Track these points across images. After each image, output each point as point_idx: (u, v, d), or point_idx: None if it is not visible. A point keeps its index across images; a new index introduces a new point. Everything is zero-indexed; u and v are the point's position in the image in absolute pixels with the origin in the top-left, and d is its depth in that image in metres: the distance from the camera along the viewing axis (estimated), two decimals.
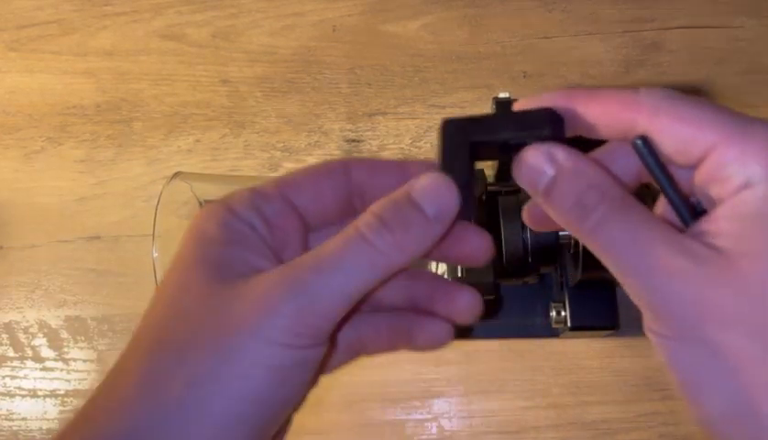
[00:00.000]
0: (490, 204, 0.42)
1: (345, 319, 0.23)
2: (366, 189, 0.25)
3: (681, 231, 0.22)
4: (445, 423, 0.49)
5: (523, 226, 0.42)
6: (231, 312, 0.21)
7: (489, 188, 0.42)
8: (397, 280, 0.26)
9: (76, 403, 0.52)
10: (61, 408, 0.52)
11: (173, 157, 0.55)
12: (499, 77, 0.54)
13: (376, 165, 0.25)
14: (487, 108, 0.51)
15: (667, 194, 0.23)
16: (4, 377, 0.53)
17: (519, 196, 0.43)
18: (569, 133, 0.24)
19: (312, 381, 0.24)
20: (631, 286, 0.22)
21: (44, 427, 0.52)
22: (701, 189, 0.23)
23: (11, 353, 0.53)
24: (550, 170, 0.22)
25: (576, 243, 0.40)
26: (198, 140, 0.55)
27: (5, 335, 0.53)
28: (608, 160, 0.24)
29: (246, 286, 0.21)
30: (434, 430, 0.49)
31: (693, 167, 0.22)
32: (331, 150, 0.54)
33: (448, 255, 0.26)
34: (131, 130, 0.56)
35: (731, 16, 0.53)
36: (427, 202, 0.23)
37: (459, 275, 0.41)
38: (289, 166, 0.54)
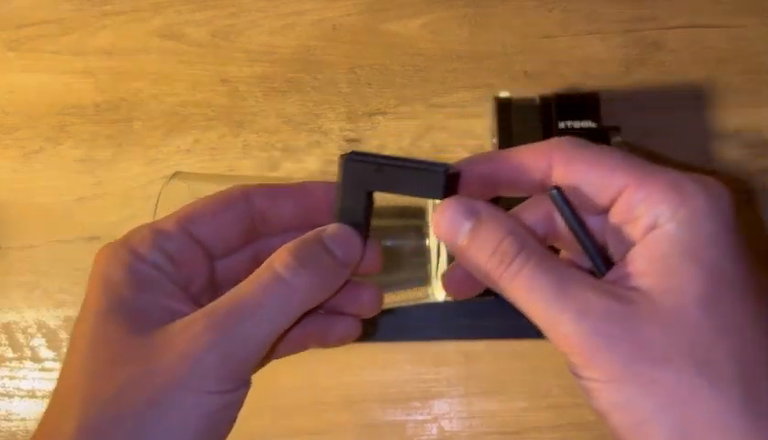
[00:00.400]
0: (491, 204, 0.42)
1: None
2: (268, 214, 0.26)
3: (597, 278, 0.23)
4: (446, 424, 0.49)
5: None
6: (156, 364, 0.21)
7: None
8: None
9: None
10: None
11: (172, 157, 0.54)
12: (500, 76, 0.53)
13: (276, 191, 0.26)
14: (487, 107, 0.51)
15: (582, 242, 0.24)
16: (2, 377, 0.53)
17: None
18: (491, 195, 0.25)
19: (236, 417, 0.24)
20: (559, 333, 0.22)
21: None
22: (613, 234, 0.23)
23: (10, 353, 0.53)
24: (470, 221, 0.23)
25: None
26: (197, 140, 0.55)
27: (3, 336, 0.53)
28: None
29: (166, 335, 0.22)
30: (435, 431, 0.49)
31: (604, 213, 0.23)
32: (331, 150, 0.53)
33: (339, 308, 0.27)
34: (130, 130, 0.55)
35: (733, 16, 0.53)
36: (337, 246, 0.24)
37: None
38: (288, 166, 0.53)
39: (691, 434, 0.20)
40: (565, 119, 0.45)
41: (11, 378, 0.53)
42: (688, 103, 0.52)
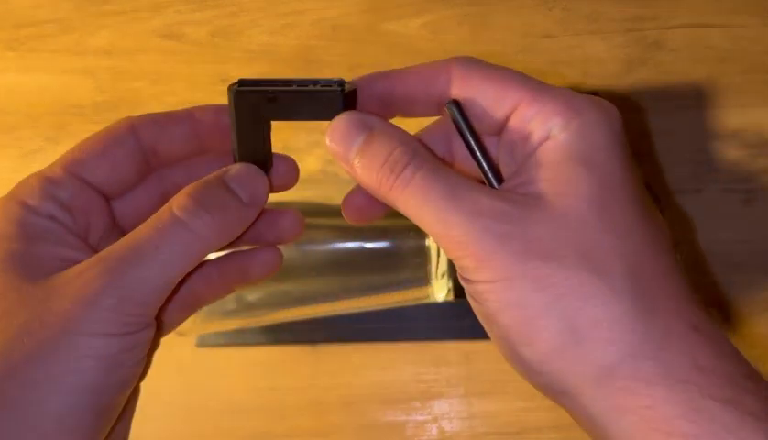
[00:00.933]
0: None
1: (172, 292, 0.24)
2: (158, 145, 0.25)
3: None
4: (446, 425, 0.49)
5: None
6: (49, 310, 0.21)
7: None
8: None
9: None
10: None
11: None
12: None
13: (161, 120, 0.25)
14: None
15: (476, 155, 0.24)
16: None
17: None
18: (389, 115, 0.25)
19: (149, 357, 0.24)
20: (452, 236, 0.22)
21: None
22: (507, 152, 0.24)
23: None
24: (362, 133, 0.23)
25: None
26: None
27: None
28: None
29: (60, 281, 0.21)
30: (435, 431, 0.49)
31: (499, 133, 0.24)
32: None
33: (260, 238, 0.27)
34: None
35: (734, 15, 0.53)
36: (241, 188, 0.24)
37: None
38: None
39: (580, 326, 0.21)
40: None
41: None
42: (689, 102, 0.52)
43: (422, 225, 0.22)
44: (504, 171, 0.25)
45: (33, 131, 0.56)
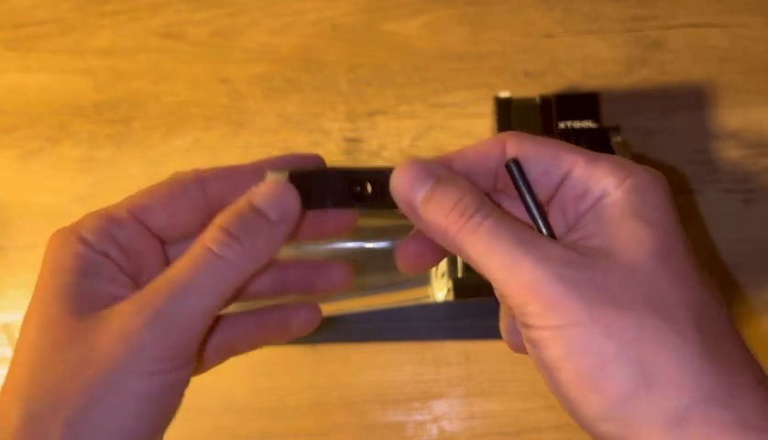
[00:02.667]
0: None
1: (210, 329, 0.24)
2: (225, 199, 0.25)
3: None
4: (446, 425, 0.49)
5: None
6: (94, 348, 0.21)
7: None
8: (266, 272, 0.27)
9: None
10: None
11: (172, 156, 0.54)
12: (500, 76, 0.53)
13: (230, 173, 0.26)
14: (487, 107, 0.51)
15: (532, 213, 0.25)
16: (2, 377, 0.53)
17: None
18: None
19: (181, 399, 0.24)
20: (521, 281, 0.22)
21: None
22: (562, 212, 0.25)
23: (10, 354, 0.53)
24: (430, 179, 0.24)
25: None
26: (197, 140, 0.55)
27: (3, 336, 0.53)
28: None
29: (104, 318, 0.22)
30: (435, 431, 0.49)
31: (551, 197, 0.25)
32: (331, 150, 0.53)
33: (309, 288, 0.27)
34: (130, 130, 0.55)
35: (734, 15, 0.52)
36: (269, 207, 0.23)
37: (459, 275, 0.41)
38: None
39: (652, 371, 0.21)
40: (564, 119, 0.45)
41: None
42: (689, 102, 0.51)
43: (488, 270, 0.23)
44: (561, 227, 0.25)
45: (33, 131, 0.56)
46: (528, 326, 0.22)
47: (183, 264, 0.22)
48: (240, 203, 0.23)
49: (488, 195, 0.24)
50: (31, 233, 0.54)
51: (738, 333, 0.23)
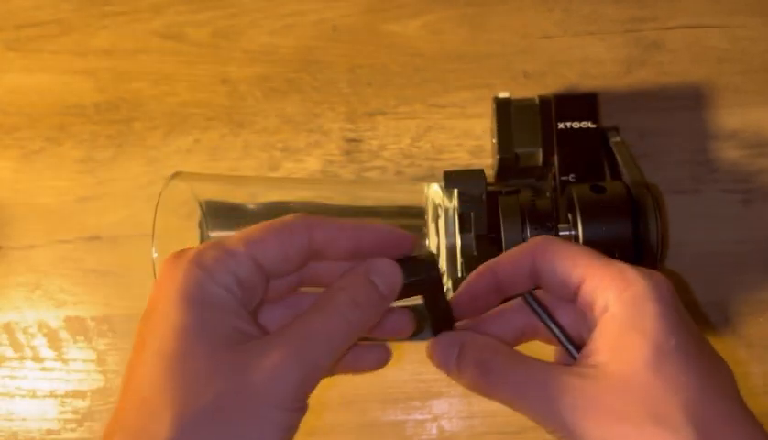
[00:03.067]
0: (490, 204, 0.42)
1: None
2: (326, 249, 0.28)
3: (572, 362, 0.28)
4: (446, 424, 0.49)
5: (523, 226, 0.41)
6: (246, 382, 0.24)
7: (489, 188, 0.42)
8: None
9: (75, 403, 0.52)
10: (61, 408, 0.52)
11: (173, 157, 0.55)
12: (500, 76, 0.53)
13: (335, 228, 0.28)
14: (487, 107, 0.51)
15: (555, 334, 0.29)
16: (3, 377, 0.53)
17: (519, 196, 0.43)
18: (501, 298, 0.30)
19: None
20: (547, 417, 0.26)
21: (43, 427, 0.52)
22: (581, 318, 0.29)
23: (10, 353, 0.53)
24: (456, 347, 0.29)
25: (577, 242, 0.40)
26: (197, 140, 0.55)
27: (4, 336, 0.53)
28: (500, 322, 0.31)
29: (250, 355, 0.24)
30: (435, 430, 0.49)
31: (573, 300, 0.28)
32: (330, 150, 0.54)
33: (380, 332, 0.31)
34: (130, 130, 0.55)
35: (733, 16, 0.53)
36: (382, 282, 0.27)
37: (459, 275, 0.41)
38: (289, 166, 0.54)
39: None
40: (563, 120, 0.45)
41: (12, 377, 0.53)
42: (688, 103, 0.52)
43: (519, 411, 0.27)
44: (583, 331, 0.29)
45: (34, 131, 0.56)
46: None
47: (318, 317, 0.26)
48: (360, 274, 0.27)
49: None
50: (32, 233, 0.55)
51: (740, 418, 0.25)
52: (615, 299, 0.26)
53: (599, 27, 0.53)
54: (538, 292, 0.30)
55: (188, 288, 0.25)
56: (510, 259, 0.30)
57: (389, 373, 0.50)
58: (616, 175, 0.44)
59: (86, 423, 0.52)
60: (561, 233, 0.41)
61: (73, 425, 0.52)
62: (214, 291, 0.25)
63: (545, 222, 0.41)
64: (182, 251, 0.26)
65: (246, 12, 0.57)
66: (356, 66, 0.55)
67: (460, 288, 0.30)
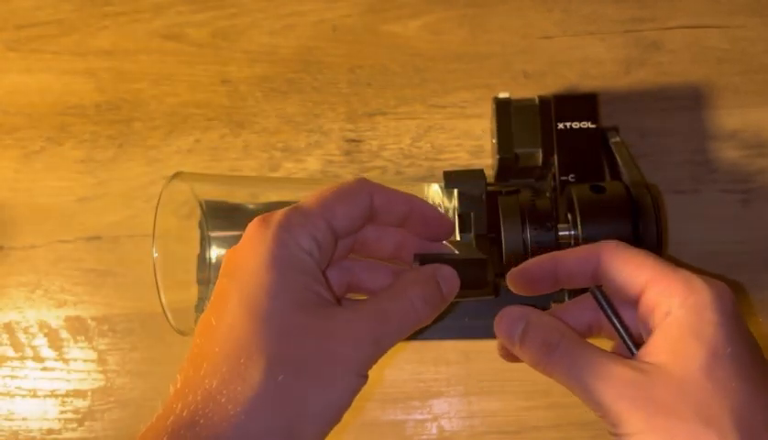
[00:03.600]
0: (490, 204, 0.42)
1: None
2: (382, 214, 0.31)
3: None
4: (445, 424, 0.49)
5: (523, 226, 0.42)
6: (332, 345, 0.26)
7: (489, 188, 0.42)
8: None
9: (76, 403, 0.52)
10: (61, 408, 0.52)
11: (173, 157, 0.55)
12: (500, 77, 0.54)
13: (391, 195, 0.31)
14: (487, 108, 0.51)
15: (616, 329, 0.30)
16: (4, 377, 0.53)
17: (519, 196, 0.43)
18: (555, 287, 0.33)
19: None
20: (597, 401, 0.27)
21: (44, 427, 0.52)
22: (642, 321, 0.30)
23: (11, 353, 0.53)
24: (522, 322, 0.30)
25: (576, 243, 0.40)
26: (198, 140, 0.55)
27: (5, 335, 0.53)
28: (567, 316, 0.33)
29: (335, 322, 0.27)
30: (434, 430, 0.49)
31: (636, 303, 0.30)
32: (331, 150, 0.54)
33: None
34: (131, 130, 0.56)
35: (732, 16, 0.53)
36: (445, 285, 0.31)
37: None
38: (289, 166, 0.54)
39: None
40: (563, 120, 0.45)
41: (12, 377, 0.53)
42: (688, 103, 0.52)
43: (575, 392, 0.28)
44: (642, 333, 0.30)
45: (35, 131, 0.56)
46: (612, 434, 0.28)
47: (396, 307, 0.29)
48: (430, 276, 0.30)
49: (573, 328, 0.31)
50: (32, 233, 0.55)
51: None
52: (679, 305, 0.28)
53: (599, 28, 0.54)
54: None
55: (277, 251, 0.27)
56: (577, 255, 0.32)
57: (388, 373, 0.50)
58: (615, 175, 0.44)
59: (87, 423, 0.52)
60: (560, 233, 0.41)
61: (74, 425, 0.52)
62: (299, 255, 0.27)
63: (545, 222, 0.42)
64: (269, 215, 0.28)
65: (246, 12, 0.57)
66: (357, 66, 0.55)
67: (521, 265, 0.32)
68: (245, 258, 0.27)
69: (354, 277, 0.33)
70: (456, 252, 0.33)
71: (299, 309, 0.26)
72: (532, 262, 0.33)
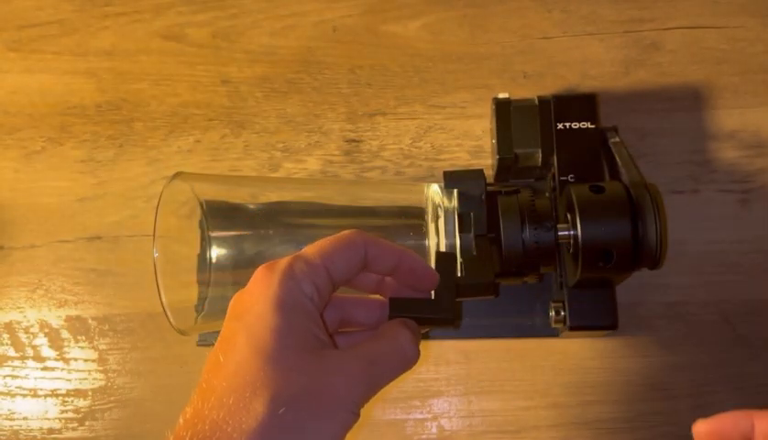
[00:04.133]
0: (490, 204, 0.42)
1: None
2: (372, 263, 0.32)
3: None
4: (445, 423, 0.49)
5: (523, 226, 0.42)
6: (328, 383, 0.28)
7: (489, 188, 0.42)
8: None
9: (76, 403, 0.52)
10: (62, 407, 0.52)
11: (173, 157, 0.55)
12: (499, 77, 0.54)
13: (385, 247, 0.32)
14: (486, 108, 0.51)
15: None
16: (5, 376, 0.53)
17: (518, 196, 0.43)
18: None
19: None
20: None
21: (45, 427, 0.52)
22: None
23: (12, 353, 0.53)
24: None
25: (576, 243, 0.40)
26: (198, 140, 0.55)
27: (6, 335, 0.54)
28: None
29: (331, 362, 0.29)
30: (434, 430, 0.49)
31: None
32: (331, 150, 0.54)
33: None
34: (131, 130, 0.56)
35: (731, 16, 0.53)
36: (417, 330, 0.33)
37: (459, 274, 0.41)
38: (289, 166, 0.54)
39: None
40: (562, 120, 0.45)
41: (13, 377, 0.53)
42: (687, 103, 0.52)
43: None
44: None
45: (35, 131, 0.56)
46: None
47: (387, 350, 0.31)
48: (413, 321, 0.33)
49: None
50: (33, 233, 0.55)
51: None
52: None
53: (598, 28, 0.54)
54: None
55: (282, 296, 0.29)
56: (731, 419, 0.31)
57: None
58: (615, 175, 0.45)
59: (87, 423, 0.52)
60: (560, 233, 0.41)
61: (75, 424, 0.52)
62: (302, 300, 0.30)
63: (545, 222, 0.42)
64: (274, 262, 0.30)
65: (246, 13, 0.57)
66: (357, 67, 0.55)
67: (712, 421, 0.31)
68: (252, 302, 0.29)
69: (346, 313, 0.34)
70: (432, 298, 0.34)
71: (300, 350, 0.28)
72: (725, 419, 0.31)
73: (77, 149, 0.56)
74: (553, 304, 0.45)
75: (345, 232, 0.32)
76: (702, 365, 0.48)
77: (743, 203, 0.50)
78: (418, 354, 0.32)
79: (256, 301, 0.29)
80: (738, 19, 0.53)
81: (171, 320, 0.40)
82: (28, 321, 0.54)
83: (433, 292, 0.34)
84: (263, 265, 0.31)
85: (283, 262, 0.30)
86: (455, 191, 0.42)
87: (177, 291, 0.41)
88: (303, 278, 0.30)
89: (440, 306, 0.34)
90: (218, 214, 0.45)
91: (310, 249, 0.31)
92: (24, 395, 0.53)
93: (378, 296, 0.35)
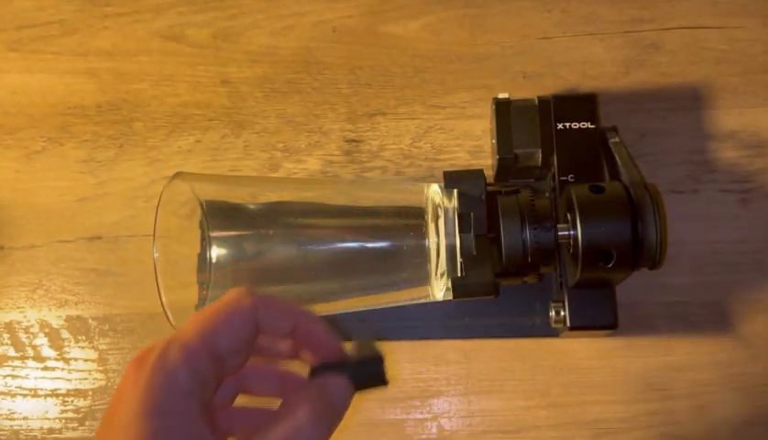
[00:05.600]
0: (490, 204, 0.42)
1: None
2: (265, 326, 0.28)
3: None
4: (445, 423, 0.49)
5: (523, 226, 0.42)
6: None
7: (489, 188, 0.42)
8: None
9: (77, 403, 0.52)
10: (62, 407, 0.52)
11: (174, 157, 0.55)
12: (499, 77, 0.54)
13: (278, 310, 0.29)
14: (486, 108, 0.51)
15: None
16: (5, 376, 0.53)
17: (518, 196, 0.43)
18: None
19: None
20: None
21: (45, 426, 0.52)
22: None
23: (12, 352, 0.53)
24: None
25: (576, 243, 0.40)
26: (198, 141, 0.55)
27: (6, 335, 0.54)
28: None
29: None
30: (434, 429, 0.49)
31: None
32: (331, 151, 0.54)
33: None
34: (132, 130, 0.56)
35: (731, 17, 0.53)
36: (338, 398, 0.29)
37: (459, 274, 0.41)
38: (289, 166, 0.54)
39: None
40: (562, 120, 0.46)
41: (13, 377, 0.53)
42: (686, 103, 0.52)
43: None
44: None
45: (36, 131, 0.56)
46: None
47: (283, 435, 0.26)
48: (322, 397, 0.28)
49: None
50: (33, 233, 0.55)
51: None
52: None
53: (598, 28, 0.54)
54: None
55: (152, 398, 0.25)
56: None
57: (388, 372, 0.50)
58: (615, 175, 0.45)
59: (87, 422, 0.52)
60: (560, 233, 0.41)
61: (75, 424, 0.52)
62: (177, 398, 0.25)
63: (544, 222, 0.42)
64: (145, 354, 0.26)
65: (246, 13, 0.57)
66: (357, 67, 0.55)
67: None
68: (120, 409, 0.25)
69: (242, 383, 0.31)
70: (352, 353, 0.31)
71: None
72: None
73: (77, 149, 0.56)
74: (553, 304, 0.45)
75: (231, 295, 0.28)
76: (702, 365, 0.48)
77: (743, 202, 0.50)
78: (324, 431, 0.28)
79: (123, 406, 0.25)
80: (737, 19, 0.53)
81: (172, 320, 0.40)
82: (29, 321, 0.54)
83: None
84: (133, 358, 0.26)
85: (155, 353, 0.26)
86: (455, 191, 0.42)
87: (177, 291, 0.41)
88: (179, 368, 0.25)
89: (366, 369, 0.30)
90: (218, 214, 0.45)
91: (188, 326, 0.27)
92: (24, 395, 0.53)
93: (294, 305, 0.30)
